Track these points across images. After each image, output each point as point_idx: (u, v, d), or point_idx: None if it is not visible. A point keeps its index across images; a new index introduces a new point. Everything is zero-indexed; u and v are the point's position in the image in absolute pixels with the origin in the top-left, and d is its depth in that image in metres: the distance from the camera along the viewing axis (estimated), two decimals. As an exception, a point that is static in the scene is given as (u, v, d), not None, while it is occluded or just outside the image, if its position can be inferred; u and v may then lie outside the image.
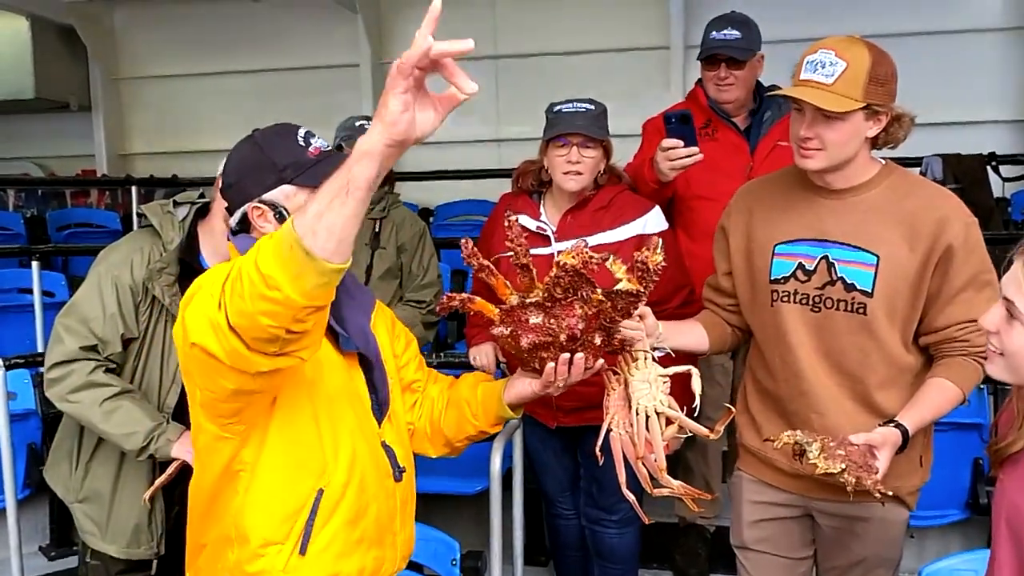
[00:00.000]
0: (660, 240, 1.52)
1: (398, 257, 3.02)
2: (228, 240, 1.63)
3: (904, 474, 1.87)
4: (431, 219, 5.92)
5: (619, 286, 1.51)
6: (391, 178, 3.11)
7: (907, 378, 1.89)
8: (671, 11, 5.90)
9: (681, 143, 2.45)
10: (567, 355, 1.56)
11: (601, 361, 1.61)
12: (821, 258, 1.87)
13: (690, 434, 1.71)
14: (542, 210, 2.58)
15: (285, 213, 1.54)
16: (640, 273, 1.49)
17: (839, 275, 1.85)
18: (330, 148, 1.60)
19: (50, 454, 2.30)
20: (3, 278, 4.86)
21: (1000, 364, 1.35)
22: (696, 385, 1.67)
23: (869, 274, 1.83)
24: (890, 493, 1.66)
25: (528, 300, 1.55)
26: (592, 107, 2.46)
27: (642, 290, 1.50)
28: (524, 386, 1.71)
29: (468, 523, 3.25)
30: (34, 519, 3.66)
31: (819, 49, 1.78)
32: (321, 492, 1.52)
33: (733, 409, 1.66)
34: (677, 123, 2.47)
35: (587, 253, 1.48)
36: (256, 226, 1.57)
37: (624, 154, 2.76)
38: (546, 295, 1.52)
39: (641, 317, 1.76)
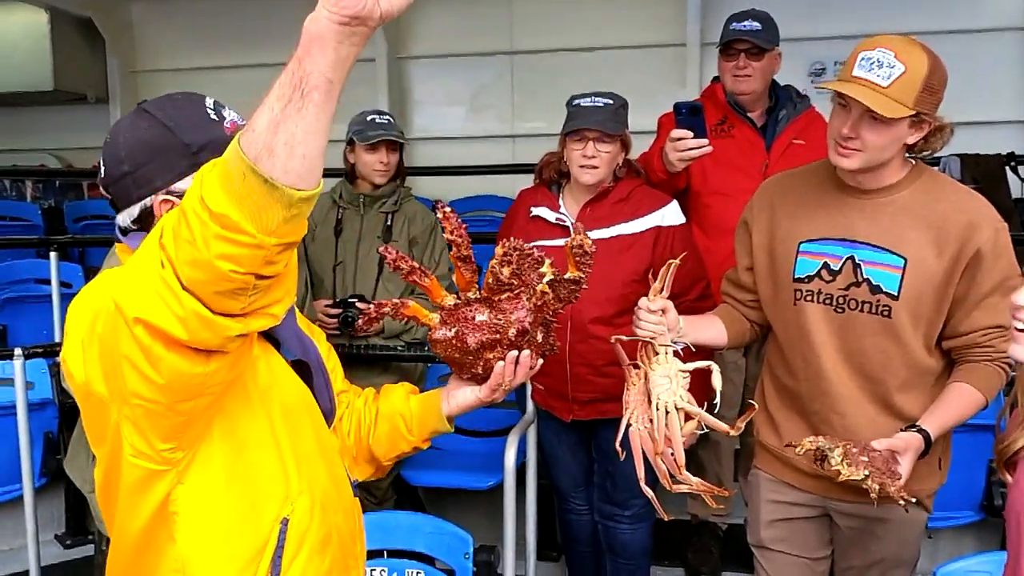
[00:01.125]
0: (582, 225, 1.50)
1: (410, 250, 3.03)
2: (119, 241, 1.33)
3: (923, 477, 1.85)
4: (445, 214, 5.92)
5: (565, 275, 1.47)
6: (402, 172, 3.12)
7: (928, 381, 1.88)
8: (688, 8, 5.87)
9: (690, 134, 2.44)
10: (515, 353, 1.48)
11: (541, 361, 1.54)
12: (847, 259, 1.85)
13: (706, 430, 1.71)
14: (561, 202, 2.60)
15: None
16: (578, 258, 1.45)
17: (865, 276, 1.83)
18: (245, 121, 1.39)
19: (70, 445, 2.31)
20: (21, 268, 4.91)
21: None
22: (716, 381, 1.66)
23: (896, 277, 1.81)
24: (914, 500, 1.65)
25: (471, 297, 1.49)
26: (611, 101, 2.48)
27: (583, 276, 1.47)
28: (466, 395, 1.54)
29: (480, 518, 3.26)
30: (50, 508, 3.69)
31: (877, 47, 1.71)
32: (286, 521, 1.28)
33: (756, 405, 1.64)
34: (687, 114, 2.45)
35: (524, 244, 1.44)
36: None
37: (639, 152, 2.77)
38: (492, 281, 1.45)
39: (663, 311, 1.76)
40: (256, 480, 1.27)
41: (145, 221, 1.27)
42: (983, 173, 4.41)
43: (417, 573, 2.22)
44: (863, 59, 1.72)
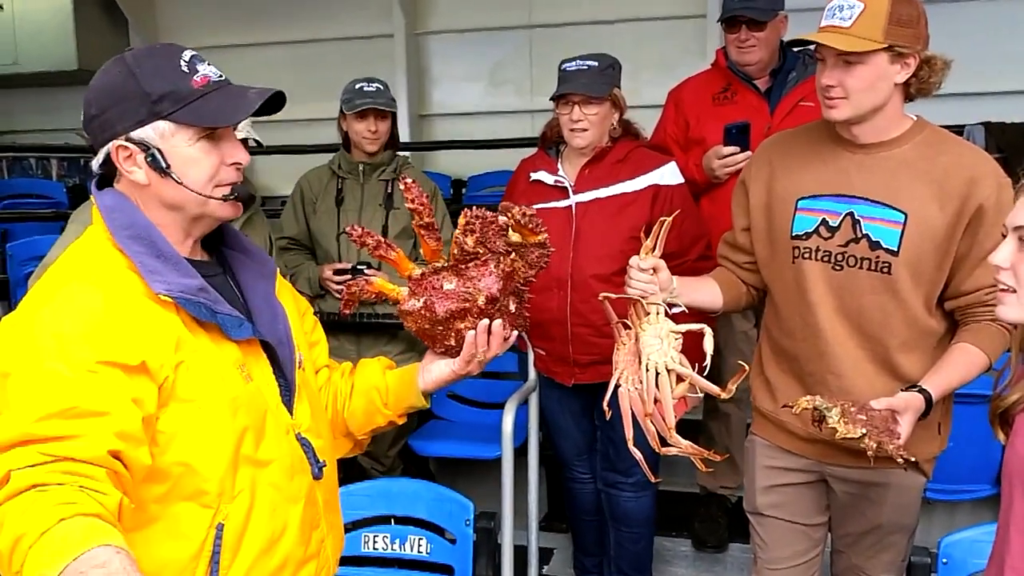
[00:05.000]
0: (505, 204, 1.46)
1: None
2: (91, 193, 1.32)
3: (922, 441, 1.80)
4: (464, 190, 5.90)
5: (530, 240, 1.44)
6: (395, 141, 3.10)
7: (930, 342, 1.83)
8: (708, -21, 5.77)
9: (737, 149, 2.71)
10: (486, 322, 1.46)
11: (516, 333, 1.52)
12: (846, 214, 1.81)
13: (700, 393, 1.68)
14: (559, 165, 2.60)
15: (159, 157, 1.25)
16: (531, 227, 1.42)
17: (864, 232, 1.79)
18: (222, 78, 1.30)
19: None
20: (46, 245, 4.95)
21: (1015, 303, 1.29)
22: (708, 344, 1.62)
23: (895, 232, 1.77)
24: (913, 459, 1.61)
25: (438, 266, 1.47)
26: (596, 63, 2.47)
27: (546, 239, 1.44)
28: (441, 369, 1.52)
29: (490, 488, 3.26)
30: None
31: None
32: (221, 526, 1.25)
33: (747, 367, 1.61)
34: (737, 134, 2.72)
35: (486, 212, 1.42)
36: (123, 170, 1.28)
37: (638, 117, 2.74)
38: (457, 252, 1.44)
39: (655, 270, 1.73)
40: (180, 490, 1.23)
41: (109, 167, 1.29)
42: (1008, 142, 4.30)
43: (419, 539, 2.23)
44: (828, 10, 1.74)
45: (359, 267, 2.95)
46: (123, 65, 1.26)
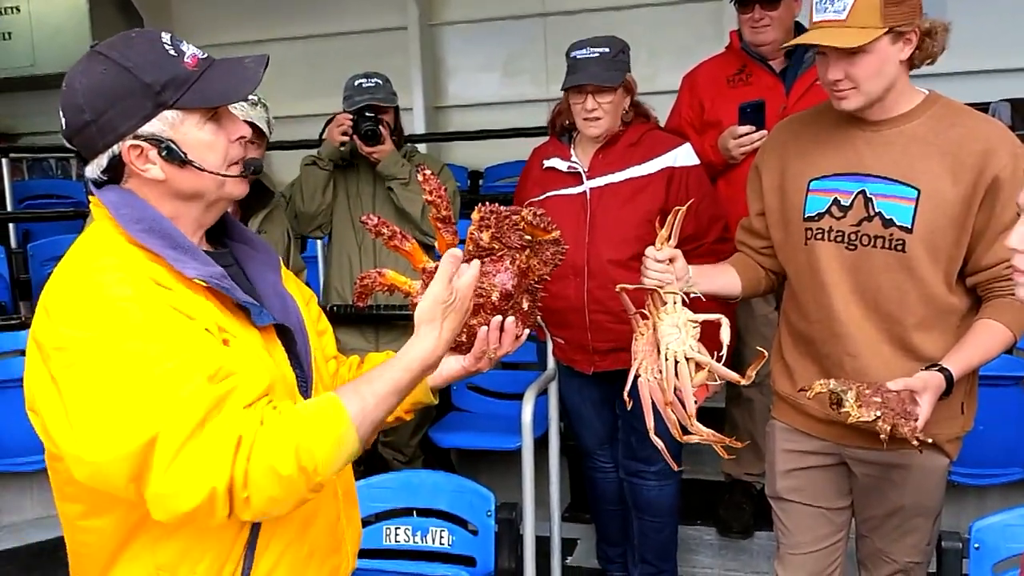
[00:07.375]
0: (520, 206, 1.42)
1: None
2: (90, 193, 1.26)
3: (943, 421, 1.77)
4: (481, 181, 5.89)
5: (544, 237, 1.42)
6: (400, 135, 3.08)
7: (951, 321, 1.79)
8: (725, -38, 5.71)
9: (753, 128, 2.65)
10: (499, 318, 1.42)
11: (527, 331, 1.49)
12: (858, 193, 1.78)
13: (718, 381, 1.65)
14: (572, 151, 2.57)
15: (175, 147, 1.21)
16: (542, 225, 1.40)
17: (877, 210, 1.76)
18: (206, 54, 1.26)
19: None
20: (66, 244, 5.00)
21: None
22: (725, 335, 1.59)
23: (909, 209, 1.73)
24: (929, 440, 1.58)
25: None
26: (608, 49, 2.43)
27: (559, 235, 1.42)
28: (451, 365, 1.48)
29: (512, 479, 3.25)
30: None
31: None
32: None
33: (765, 353, 1.58)
34: (751, 112, 2.67)
35: (501, 207, 1.40)
36: (135, 170, 1.22)
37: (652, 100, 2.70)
38: (472, 248, 1.41)
39: (671, 260, 1.71)
40: None
41: (116, 170, 1.23)
42: (1034, 118, 4.23)
43: (441, 531, 2.22)
44: (818, 1, 1.71)
45: (368, 114, 2.87)
46: (107, 61, 1.19)
